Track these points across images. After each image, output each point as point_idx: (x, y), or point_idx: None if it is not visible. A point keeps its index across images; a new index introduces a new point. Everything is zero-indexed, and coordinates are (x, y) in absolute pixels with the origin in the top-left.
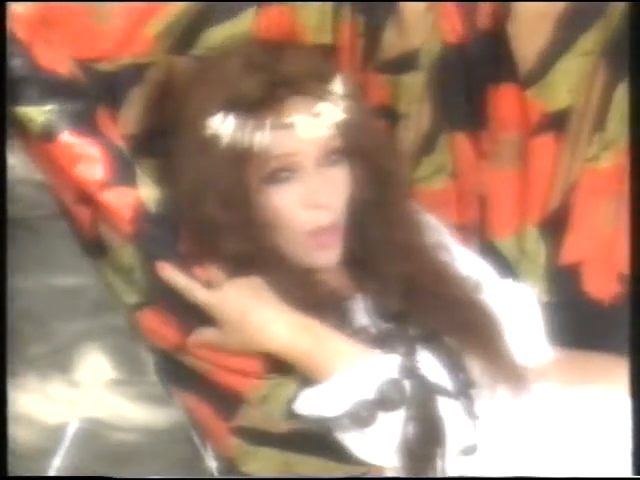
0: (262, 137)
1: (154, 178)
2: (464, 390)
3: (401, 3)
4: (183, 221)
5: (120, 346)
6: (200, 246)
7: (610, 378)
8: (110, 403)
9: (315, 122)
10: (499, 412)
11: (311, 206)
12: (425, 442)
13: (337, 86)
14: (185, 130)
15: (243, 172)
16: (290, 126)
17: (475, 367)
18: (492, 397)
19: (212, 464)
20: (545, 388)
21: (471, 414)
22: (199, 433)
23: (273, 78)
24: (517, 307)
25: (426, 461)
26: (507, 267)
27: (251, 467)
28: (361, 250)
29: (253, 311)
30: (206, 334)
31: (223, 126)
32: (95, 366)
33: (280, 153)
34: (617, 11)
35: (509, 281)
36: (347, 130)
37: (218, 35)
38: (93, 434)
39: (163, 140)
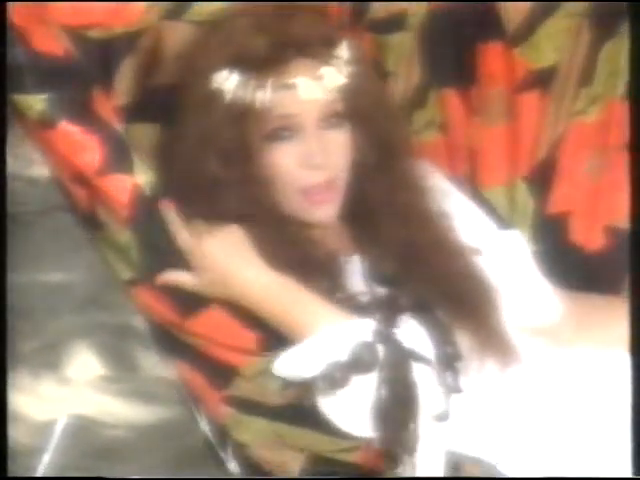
0: (264, 95)
1: (150, 148)
2: (450, 363)
3: None
4: (183, 179)
5: (109, 343)
6: (199, 203)
7: (613, 323)
8: (99, 400)
9: (317, 85)
10: (490, 385)
11: (308, 166)
12: (398, 406)
13: (343, 51)
14: (189, 86)
15: (244, 129)
16: (292, 87)
17: (464, 340)
18: (480, 370)
19: (205, 428)
20: (547, 347)
21: (456, 387)
22: (193, 400)
23: (280, 39)
24: (517, 260)
25: (399, 425)
26: (496, 217)
27: (243, 435)
28: (362, 212)
29: (232, 262)
30: (179, 276)
31: (227, 82)
32: (84, 363)
33: (281, 113)
34: None
35: (509, 232)
36: (350, 95)
37: (209, 1)
38: (82, 431)
39: (158, 106)
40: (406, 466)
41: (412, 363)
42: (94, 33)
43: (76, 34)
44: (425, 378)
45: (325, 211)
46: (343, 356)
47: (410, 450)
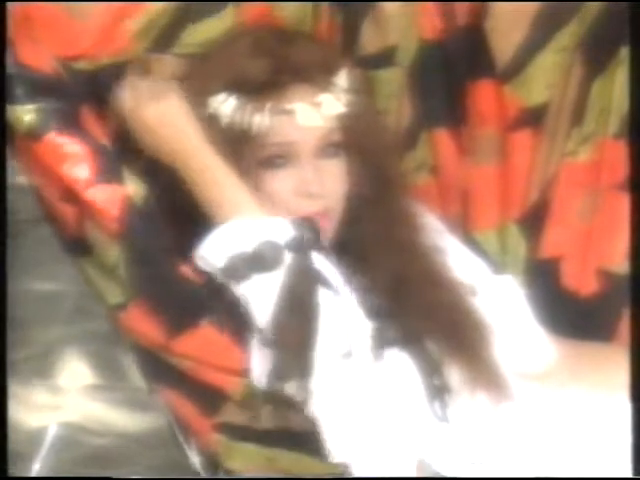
0: (261, 121)
1: (144, 170)
2: (438, 395)
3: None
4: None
5: (100, 352)
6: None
7: (609, 369)
8: (89, 408)
9: (316, 111)
10: (481, 418)
11: (303, 195)
12: (294, 320)
13: (342, 79)
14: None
15: (240, 154)
16: (290, 112)
17: (455, 372)
18: (471, 403)
19: (195, 459)
20: (542, 390)
21: (443, 418)
22: (182, 429)
23: (279, 63)
24: (511, 305)
25: (293, 341)
26: (488, 261)
27: (234, 463)
28: (354, 244)
29: (178, 127)
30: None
31: (224, 106)
32: (75, 371)
33: (278, 139)
34: (592, 8)
35: (502, 277)
36: (347, 124)
37: (197, 33)
38: (72, 439)
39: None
40: (298, 389)
41: (318, 284)
42: (81, 65)
43: (65, 65)
44: (330, 307)
45: None
46: (248, 249)
47: (303, 373)
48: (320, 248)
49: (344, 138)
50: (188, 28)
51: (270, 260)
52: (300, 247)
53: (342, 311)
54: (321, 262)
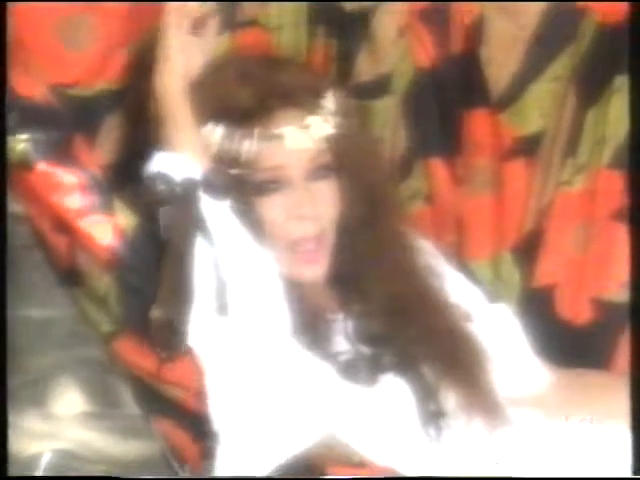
0: (250, 147)
1: (132, 207)
2: (433, 420)
3: (374, 28)
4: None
5: (93, 378)
6: None
7: (603, 397)
8: (83, 435)
9: (304, 134)
10: (477, 443)
11: (296, 218)
12: (171, 258)
13: (329, 102)
14: None
15: (231, 182)
16: (278, 137)
17: (451, 397)
18: (467, 428)
19: None
20: (537, 416)
21: (437, 442)
22: (176, 457)
23: (266, 89)
24: (505, 333)
25: (167, 280)
26: (483, 290)
27: None
28: (348, 268)
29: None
30: None
31: (212, 135)
32: (68, 399)
33: (268, 164)
34: (587, 37)
35: (496, 306)
36: (337, 146)
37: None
38: (66, 466)
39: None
40: (173, 336)
41: (197, 233)
42: (76, 91)
43: (59, 92)
44: (206, 259)
45: (314, 270)
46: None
47: (177, 317)
48: (221, 198)
49: (334, 160)
50: None
51: (163, 190)
52: (192, 190)
53: (217, 265)
54: (213, 214)
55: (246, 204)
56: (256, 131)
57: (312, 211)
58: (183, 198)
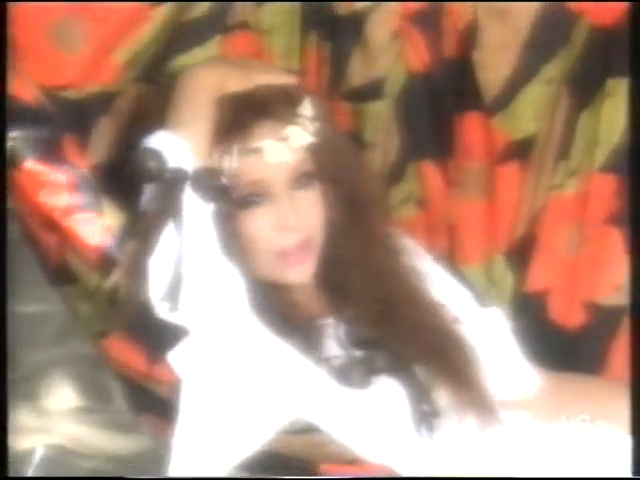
0: (231, 163)
1: (121, 206)
2: (426, 420)
3: (367, 31)
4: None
5: (86, 374)
6: None
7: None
8: (75, 431)
9: (283, 146)
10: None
11: (281, 229)
12: (136, 246)
13: (306, 109)
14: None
15: (214, 199)
16: (258, 151)
17: (444, 396)
18: (460, 427)
19: None
20: (528, 419)
21: (431, 440)
22: (166, 455)
23: (243, 102)
24: (496, 336)
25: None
26: (475, 294)
27: None
28: (336, 272)
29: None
30: None
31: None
32: (61, 394)
33: (249, 179)
34: (580, 41)
35: (488, 310)
36: (317, 153)
37: (185, 63)
38: (59, 461)
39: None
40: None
41: (170, 218)
42: (69, 93)
43: (51, 94)
44: (171, 243)
45: (301, 272)
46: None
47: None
48: (205, 201)
49: (315, 166)
50: (175, 58)
51: (153, 167)
52: (179, 180)
53: (179, 259)
54: (192, 210)
55: (230, 212)
56: (235, 147)
57: (297, 221)
58: (168, 183)
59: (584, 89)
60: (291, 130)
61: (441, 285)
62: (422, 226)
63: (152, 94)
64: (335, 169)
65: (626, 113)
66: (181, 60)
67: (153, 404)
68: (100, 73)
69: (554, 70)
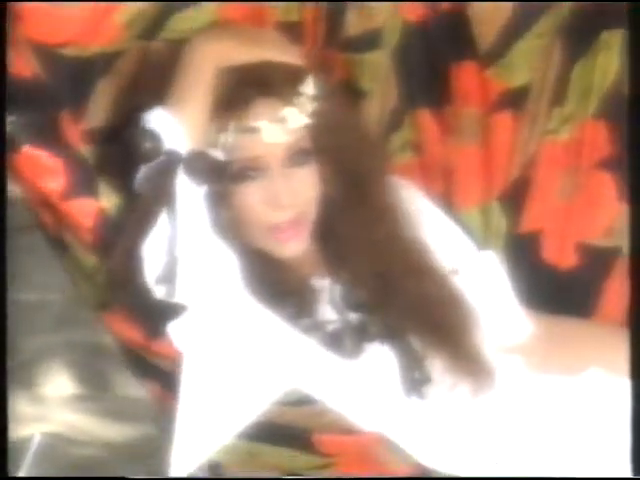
0: (226, 140)
1: (117, 188)
2: (417, 387)
3: None
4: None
5: (83, 361)
6: None
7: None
8: (72, 418)
9: (280, 128)
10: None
11: (274, 205)
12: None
13: (308, 87)
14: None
15: (209, 173)
16: (255, 130)
17: (438, 365)
18: (452, 394)
19: None
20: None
21: (420, 409)
22: (167, 420)
23: (244, 78)
24: (492, 282)
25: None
26: (471, 238)
27: (215, 455)
28: (333, 243)
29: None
30: None
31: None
32: (58, 381)
33: (244, 155)
34: None
35: (486, 254)
36: (316, 130)
37: (185, 20)
38: (56, 449)
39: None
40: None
41: (164, 206)
42: (69, 51)
43: (50, 52)
44: (164, 234)
45: (293, 247)
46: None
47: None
48: (198, 183)
49: (313, 143)
50: (175, 16)
51: (150, 147)
52: (173, 163)
53: (173, 243)
54: (185, 194)
55: (224, 190)
56: (232, 124)
57: (290, 199)
58: (163, 165)
59: (578, 41)
60: (289, 111)
61: (440, 230)
62: (418, 171)
63: (154, 57)
64: (334, 147)
65: (620, 63)
66: (181, 18)
67: (154, 373)
68: (101, 31)
69: (548, 22)
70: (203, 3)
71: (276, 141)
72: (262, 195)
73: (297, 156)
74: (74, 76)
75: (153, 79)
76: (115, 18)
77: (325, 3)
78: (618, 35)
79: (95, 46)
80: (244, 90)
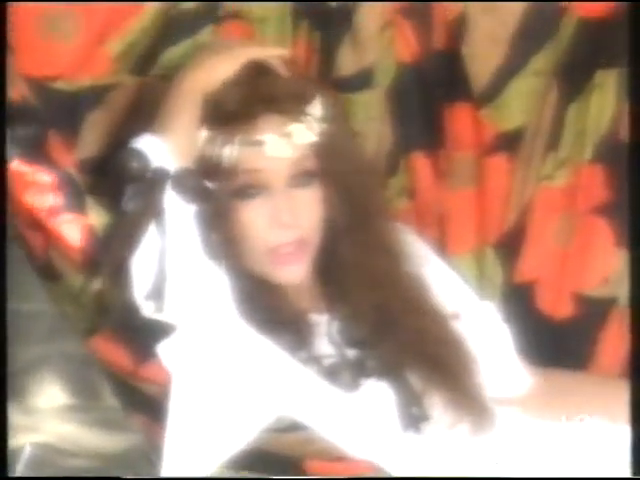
0: (231, 152)
1: (105, 207)
2: (415, 424)
3: (358, 22)
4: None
5: (74, 372)
6: None
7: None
8: (64, 429)
9: (285, 142)
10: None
11: (276, 225)
12: (117, 247)
13: (316, 108)
14: None
15: (212, 185)
16: (260, 143)
17: (438, 402)
18: (451, 432)
19: None
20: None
21: (419, 439)
22: (155, 453)
23: (250, 94)
24: (492, 333)
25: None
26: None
27: None
28: (334, 272)
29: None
30: None
31: (198, 138)
32: (49, 392)
33: (247, 168)
34: (568, 33)
35: (485, 304)
36: (321, 152)
37: (178, 54)
38: (47, 459)
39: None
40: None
41: (152, 220)
42: (60, 85)
43: (41, 85)
44: (153, 246)
45: (292, 272)
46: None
47: (115, 296)
48: (187, 201)
49: (318, 166)
50: (168, 49)
51: (135, 166)
52: (160, 180)
53: (162, 258)
54: (174, 211)
55: (215, 211)
56: (237, 137)
57: (293, 219)
58: (149, 183)
59: (572, 81)
60: (295, 127)
61: (440, 275)
62: (412, 217)
63: (144, 90)
64: (338, 171)
65: (615, 104)
66: (173, 51)
67: (142, 403)
68: (92, 65)
69: (542, 62)
70: (197, 36)
71: (281, 155)
72: (263, 213)
73: (301, 176)
74: (65, 108)
75: (144, 113)
76: (107, 50)
77: (318, 38)
78: (613, 75)
79: (86, 79)
80: (251, 105)
